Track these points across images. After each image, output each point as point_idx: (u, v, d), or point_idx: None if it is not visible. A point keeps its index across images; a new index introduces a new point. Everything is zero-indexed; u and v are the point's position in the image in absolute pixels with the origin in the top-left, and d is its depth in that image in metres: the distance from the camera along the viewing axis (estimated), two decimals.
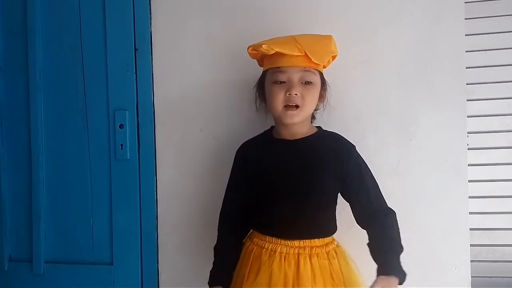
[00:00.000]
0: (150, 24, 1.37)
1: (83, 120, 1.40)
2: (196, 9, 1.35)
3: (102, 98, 1.38)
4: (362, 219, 1.08)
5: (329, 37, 1.08)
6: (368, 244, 1.05)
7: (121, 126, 1.36)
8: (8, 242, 1.46)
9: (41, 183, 1.42)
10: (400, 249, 1.02)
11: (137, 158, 1.37)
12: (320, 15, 1.28)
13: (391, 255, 1.00)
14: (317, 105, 1.12)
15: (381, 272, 0.97)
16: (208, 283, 1.11)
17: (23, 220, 1.44)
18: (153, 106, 1.37)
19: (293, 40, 1.02)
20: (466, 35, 1.24)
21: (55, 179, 1.43)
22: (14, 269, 1.45)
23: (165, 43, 1.37)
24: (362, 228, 1.09)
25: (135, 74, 1.36)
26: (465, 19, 1.24)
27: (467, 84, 1.24)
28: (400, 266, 0.99)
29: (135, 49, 1.36)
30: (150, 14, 1.37)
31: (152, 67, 1.37)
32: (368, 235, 1.06)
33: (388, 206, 1.08)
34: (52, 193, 1.43)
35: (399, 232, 1.04)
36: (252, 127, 1.22)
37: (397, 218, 1.07)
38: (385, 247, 1.01)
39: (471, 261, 1.25)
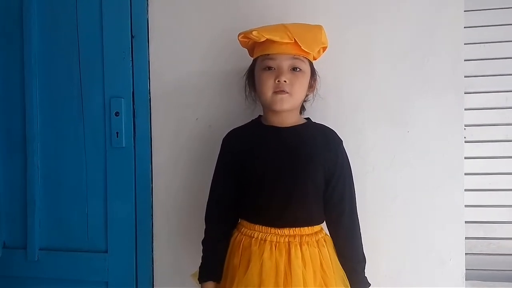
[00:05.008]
0: (147, 11, 1.36)
1: (79, 108, 1.39)
2: None
3: (98, 86, 1.37)
4: (329, 218, 1.09)
5: (319, 27, 1.07)
6: (336, 252, 1.08)
7: (117, 113, 1.36)
8: (2, 229, 1.46)
9: (36, 170, 1.41)
10: (364, 262, 1.08)
11: (133, 146, 1.37)
12: (318, 5, 1.27)
13: (361, 272, 1.07)
14: (306, 95, 1.12)
15: None
16: (198, 279, 1.10)
17: (18, 207, 1.44)
18: (149, 93, 1.37)
19: (283, 27, 1.02)
20: (465, 27, 1.23)
21: (50, 166, 1.42)
22: (8, 256, 1.44)
23: (162, 30, 1.36)
24: (329, 228, 1.10)
25: (131, 62, 1.35)
26: (465, 11, 1.23)
27: (465, 76, 1.23)
28: (367, 282, 1.08)
29: (132, 36, 1.35)
30: (147, 1, 1.35)
31: (148, 54, 1.36)
32: (334, 240, 1.09)
33: (356, 212, 1.09)
34: (47, 180, 1.42)
35: (361, 243, 1.09)
36: (248, 116, 1.21)
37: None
38: (354, 261, 1.07)
39: (466, 253, 1.25)
